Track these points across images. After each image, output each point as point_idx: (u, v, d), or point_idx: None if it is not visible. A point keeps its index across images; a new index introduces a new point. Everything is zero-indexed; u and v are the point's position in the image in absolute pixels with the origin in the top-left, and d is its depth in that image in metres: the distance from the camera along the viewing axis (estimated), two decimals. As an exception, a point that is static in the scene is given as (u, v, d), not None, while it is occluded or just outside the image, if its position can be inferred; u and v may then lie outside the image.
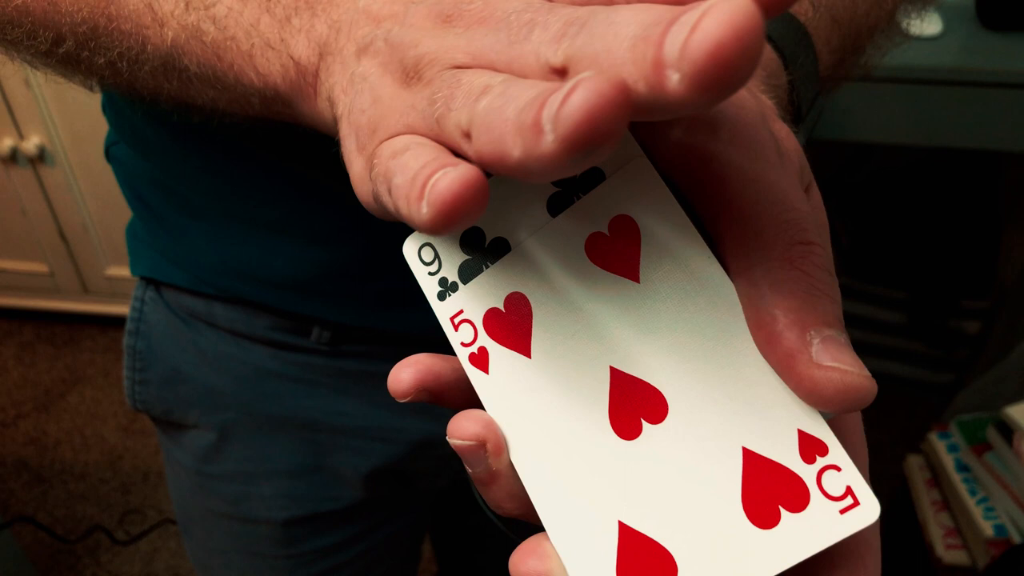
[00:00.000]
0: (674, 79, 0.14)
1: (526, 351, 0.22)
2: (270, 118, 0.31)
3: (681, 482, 0.20)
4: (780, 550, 0.19)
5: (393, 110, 0.22)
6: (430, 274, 0.23)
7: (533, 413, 0.22)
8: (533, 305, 0.22)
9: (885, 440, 1.52)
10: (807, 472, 0.19)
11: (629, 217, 0.21)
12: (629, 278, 0.21)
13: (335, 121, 0.26)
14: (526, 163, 0.15)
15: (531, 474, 0.22)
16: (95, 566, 1.42)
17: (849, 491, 0.19)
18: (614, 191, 0.21)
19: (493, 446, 0.22)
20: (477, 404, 0.23)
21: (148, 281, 0.54)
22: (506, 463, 0.22)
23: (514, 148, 0.16)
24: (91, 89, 0.36)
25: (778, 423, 0.19)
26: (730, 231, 0.20)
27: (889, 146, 1.28)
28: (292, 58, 0.28)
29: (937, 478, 1.17)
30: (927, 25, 1.02)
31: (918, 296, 1.49)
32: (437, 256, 0.23)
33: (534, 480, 0.22)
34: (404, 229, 0.23)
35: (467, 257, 0.23)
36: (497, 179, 0.22)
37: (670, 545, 0.20)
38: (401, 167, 0.19)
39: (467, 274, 0.23)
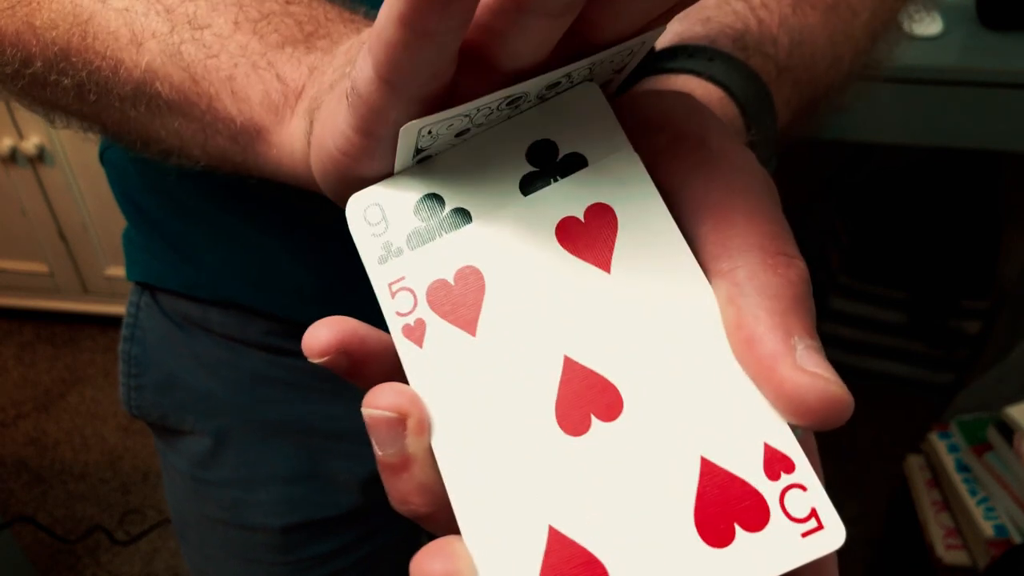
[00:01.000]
0: None
1: (471, 329, 0.20)
2: (227, 160, 0.30)
3: (627, 488, 0.18)
4: (731, 572, 0.17)
5: None
6: (373, 235, 0.21)
7: (466, 396, 0.20)
8: (487, 281, 0.20)
9: (885, 440, 1.52)
10: (770, 489, 0.18)
11: (608, 206, 0.20)
12: (600, 267, 0.20)
13: (307, 135, 0.25)
14: None
15: (452, 462, 0.19)
16: (95, 566, 1.42)
17: (813, 513, 0.18)
18: (595, 179, 0.21)
19: (416, 423, 0.19)
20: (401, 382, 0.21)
21: (143, 287, 0.54)
22: (424, 447, 0.19)
23: None
24: (52, 123, 0.35)
25: (743, 434, 0.18)
26: (713, 233, 0.20)
27: (889, 146, 1.28)
28: (278, 77, 0.27)
29: (937, 478, 1.17)
30: (927, 25, 1.02)
31: (918, 296, 1.49)
32: (384, 218, 0.21)
33: (454, 469, 0.19)
34: None
35: (420, 223, 0.21)
36: (467, 149, 0.21)
37: (605, 558, 0.18)
38: None
39: (416, 241, 0.21)
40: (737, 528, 0.18)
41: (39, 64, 0.31)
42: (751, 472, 0.18)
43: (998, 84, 0.98)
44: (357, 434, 0.54)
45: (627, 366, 0.19)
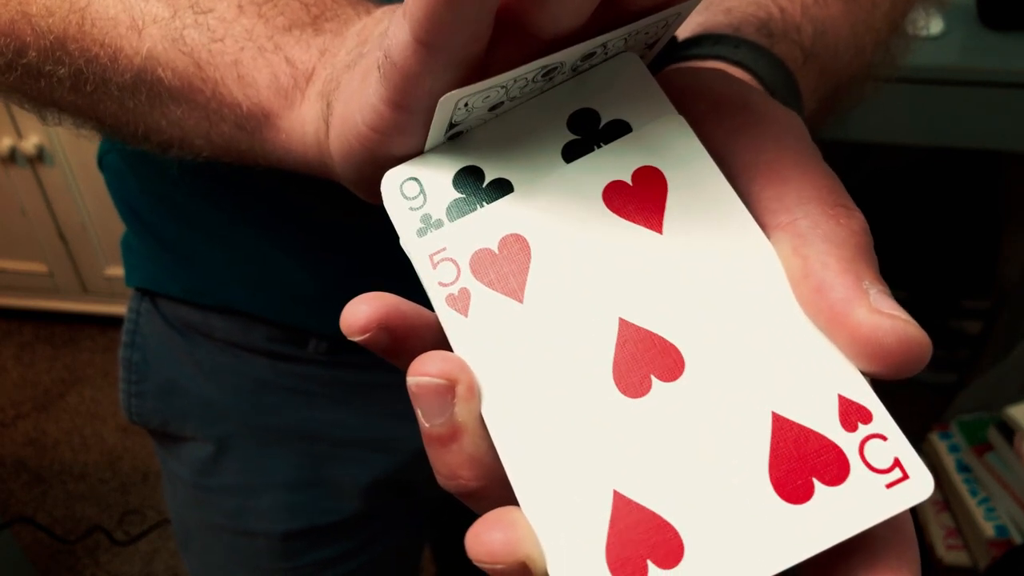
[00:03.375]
0: None
1: (518, 296, 0.19)
2: (231, 149, 0.29)
3: (694, 448, 0.18)
4: (814, 528, 0.17)
5: None
6: (411, 209, 0.21)
7: (516, 363, 0.19)
8: (533, 248, 0.20)
9: (885, 440, 1.52)
10: (847, 441, 0.17)
11: (656, 168, 0.20)
12: (651, 228, 0.20)
13: (323, 117, 0.25)
14: None
15: (504, 430, 0.18)
16: (94, 566, 1.42)
17: (897, 463, 0.17)
18: (641, 143, 0.20)
19: (465, 388, 0.18)
20: None
21: (144, 292, 0.54)
22: (474, 415, 0.18)
23: None
24: (43, 120, 0.34)
25: (815, 386, 0.18)
26: (768, 190, 0.19)
27: (889, 146, 1.28)
28: (287, 60, 0.26)
29: (938, 478, 1.17)
30: (928, 25, 1.02)
31: (918, 296, 1.49)
32: (422, 191, 0.21)
33: (507, 437, 0.18)
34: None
35: (459, 196, 0.21)
36: (503, 123, 0.21)
37: (676, 520, 0.17)
38: None
39: (457, 212, 0.20)
40: (816, 482, 0.17)
41: (33, 54, 0.30)
42: (826, 424, 0.17)
43: (998, 84, 0.98)
44: (360, 440, 0.53)
45: (686, 325, 0.19)
